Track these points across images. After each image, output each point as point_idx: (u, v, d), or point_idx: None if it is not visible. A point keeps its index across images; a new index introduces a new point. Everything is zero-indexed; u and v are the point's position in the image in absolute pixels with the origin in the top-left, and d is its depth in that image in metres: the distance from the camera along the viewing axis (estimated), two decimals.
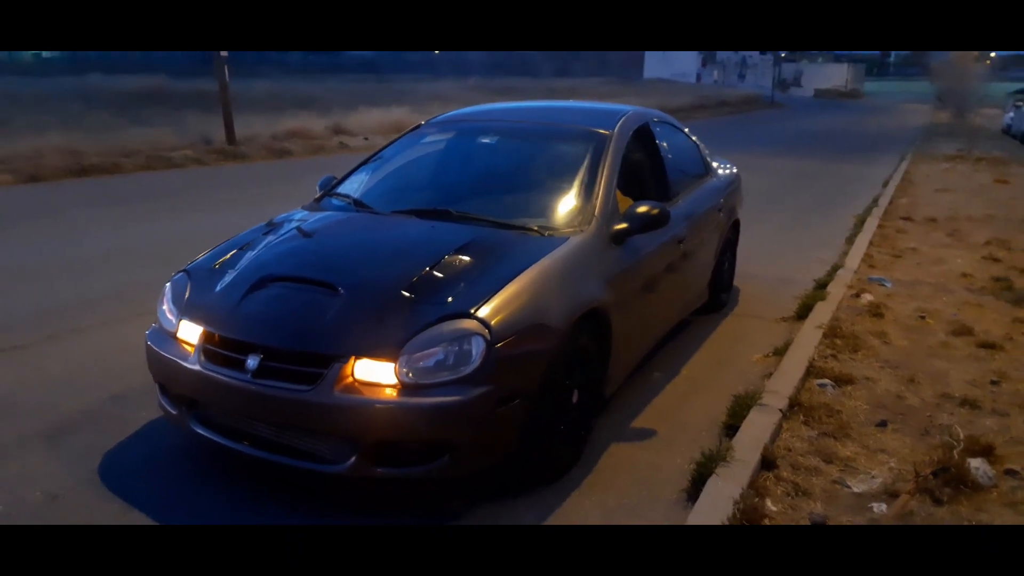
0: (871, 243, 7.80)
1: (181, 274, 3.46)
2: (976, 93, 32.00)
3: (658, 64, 60.38)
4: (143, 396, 3.81)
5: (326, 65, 53.04)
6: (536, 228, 3.58)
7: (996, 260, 7.17)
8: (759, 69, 63.50)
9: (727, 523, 2.75)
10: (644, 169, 4.52)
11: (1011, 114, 25.61)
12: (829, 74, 66.47)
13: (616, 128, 4.24)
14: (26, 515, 2.91)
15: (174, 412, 3.20)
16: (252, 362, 2.88)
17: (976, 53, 34.59)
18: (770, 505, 2.95)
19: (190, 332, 3.14)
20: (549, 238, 3.50)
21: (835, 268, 6.64)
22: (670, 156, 4.78)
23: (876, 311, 5.42)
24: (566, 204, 3.82)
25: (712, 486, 2.98)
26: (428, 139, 4.71)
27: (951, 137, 22.21)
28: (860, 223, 8.86)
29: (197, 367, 3.01)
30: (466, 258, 3.26)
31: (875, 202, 10.39)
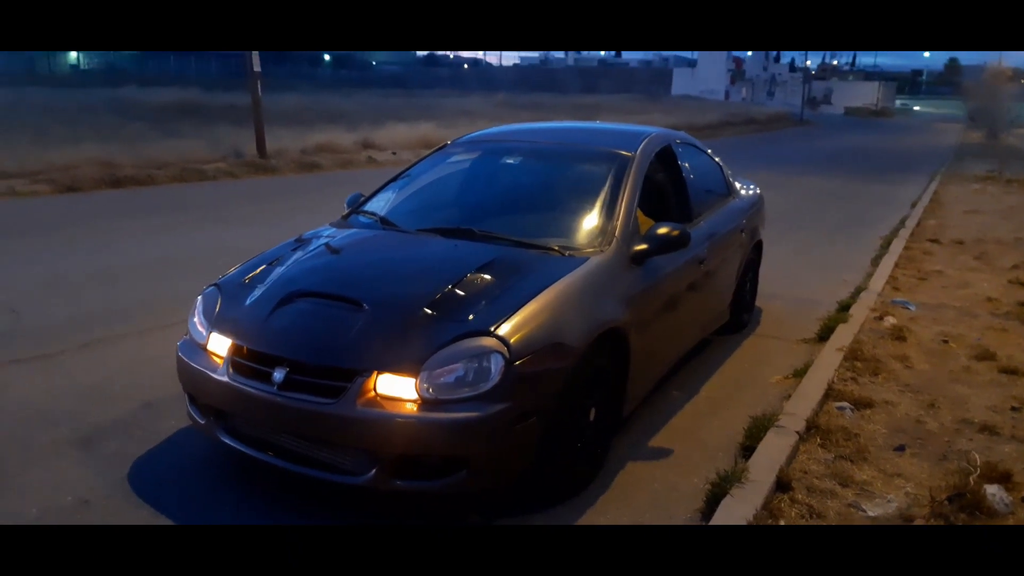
0: (896, 265, 7.77)
1: (212, 288, 3.57)
2: (1009, 112, 31.64)
3: (686, 81, 60.43)
4: (172, 405, 3.91)
5: (356, 80, 53.69)
6: (557, 248, 3.64)
7: (1023, 284, 7.10)
8: (788, 87, 63.41)
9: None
10: (666, 190, 4.58)
11: None
12: (859, 92, 66.12)
13: (638, 150, 4.30)
14: (58, 519, 3.01)
15: (202, 422, 3.30)
16: (278, 375, 2.97)
17: (1010, 72, 34.22)
18: None
19: (219, 344, 3.24)
20: (569, 258, 3.56)
21: (859, 290, 6.62)
22: (692, 177, 4.82)
23: (899, 334, 5.40)
24: (587, 224, 3.89)
25: (726, 507, 3.01)
26: (454, 158, 4.81)
27: (982, 157, 21.97)
28: (886, 244, 8.82)
29: (225, 379, 3.10)
30: (488, 277, 3.33)
31: (902, 223, 10.33)
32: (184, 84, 31.98)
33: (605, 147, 4.45)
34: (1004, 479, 3.34)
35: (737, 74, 64.11)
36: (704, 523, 3.01)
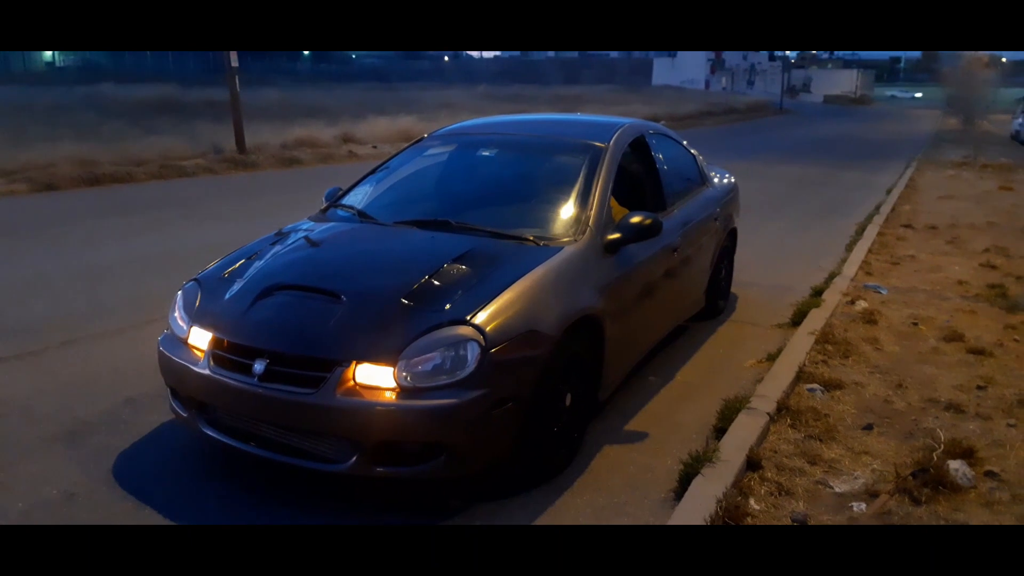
0: (870, 250, 7.90)
1: (192, 283, 3.61)
2: (985, 99, 31.94)
3: (667, 71, 60.53)
4: (155, 400, 3.97)
5: (335, 74, 53.42)
6: (532, 238, 3.72)
7: (993, 267, 7.26)
8: (768, 75, 63.80)
9: (709, 521, 2.88)
10: (639, 180, 4.66)
11: (1020, 120, 25.67)
12: (838, 80, 66.61)
13: (612, 141, 4.37)
14: (44, 512, 3.06)
15: (185, 415, 3.35)
16: (259, 367, 3.03)
17: (986, 59, 34.53)
18: (753, 504, 3.08)
19: (200, 338, 3.29)
20: (544, 247, 3.63)
21: (832, 275, 6.75)
22: (666, 167, 4.90)
23: (870, 318, 5.52)
24: (561, 215, 3.96)
25: (697, 486, 3.11)
26: (430, 151, 4.87)
27: (959, 144, 22.25)
28: (860, 231, 8.96)
29: (207, 371, 3.16)
30: (464, 267, 3.41)
31: (877, 209, 10.48)
32: (162, 80, 31.70)
33: (579, 138, 4.52)
34: (967, 455, 3.46)
35: (717, 63, 64.30)
36: (678, 502, 3.10)
